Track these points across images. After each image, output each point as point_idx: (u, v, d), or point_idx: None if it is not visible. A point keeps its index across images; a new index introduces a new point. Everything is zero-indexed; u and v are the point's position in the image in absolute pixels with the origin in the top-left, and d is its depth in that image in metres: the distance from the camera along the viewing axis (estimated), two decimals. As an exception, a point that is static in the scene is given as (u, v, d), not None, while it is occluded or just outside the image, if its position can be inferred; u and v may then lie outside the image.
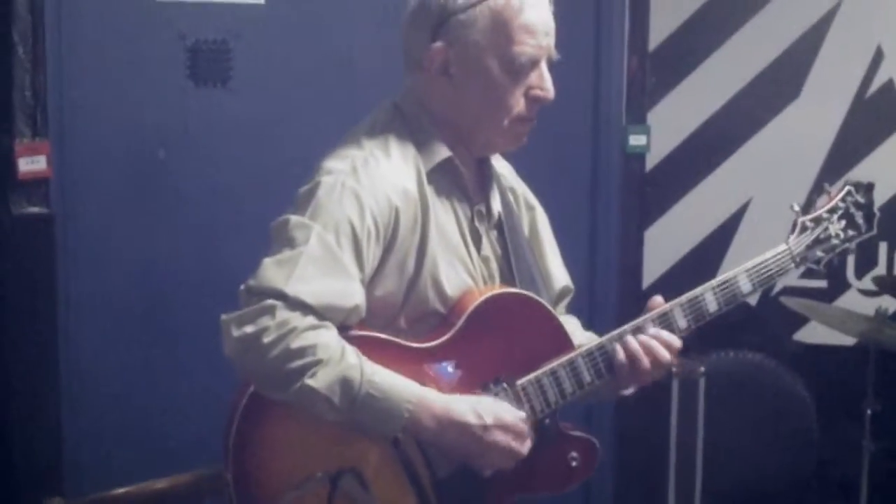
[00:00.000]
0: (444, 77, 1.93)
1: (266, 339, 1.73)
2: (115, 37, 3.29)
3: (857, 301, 3.67)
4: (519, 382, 1.92)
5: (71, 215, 3.26)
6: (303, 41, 3.43)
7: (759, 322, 3.67)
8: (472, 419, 1.83)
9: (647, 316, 1.98)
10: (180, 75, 3.36)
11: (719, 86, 3.72)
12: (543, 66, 1.94)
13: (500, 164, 2.13)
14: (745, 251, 2.08)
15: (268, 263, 1.79)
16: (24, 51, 3.13)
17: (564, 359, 1.95)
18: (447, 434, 1.82)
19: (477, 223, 2.00)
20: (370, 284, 1.86)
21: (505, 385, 1.92)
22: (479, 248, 2.00)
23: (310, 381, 1.73)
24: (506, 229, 2.03)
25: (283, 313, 1.73)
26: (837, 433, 3.54)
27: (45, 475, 3.18)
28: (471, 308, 1.91)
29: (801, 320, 3.69)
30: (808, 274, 2.18)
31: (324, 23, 3.45)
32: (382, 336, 1.87)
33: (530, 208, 2.17)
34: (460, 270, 1.95)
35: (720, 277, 2.01)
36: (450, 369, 1.90)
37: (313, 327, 1.75)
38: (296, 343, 1.73)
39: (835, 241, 2.08)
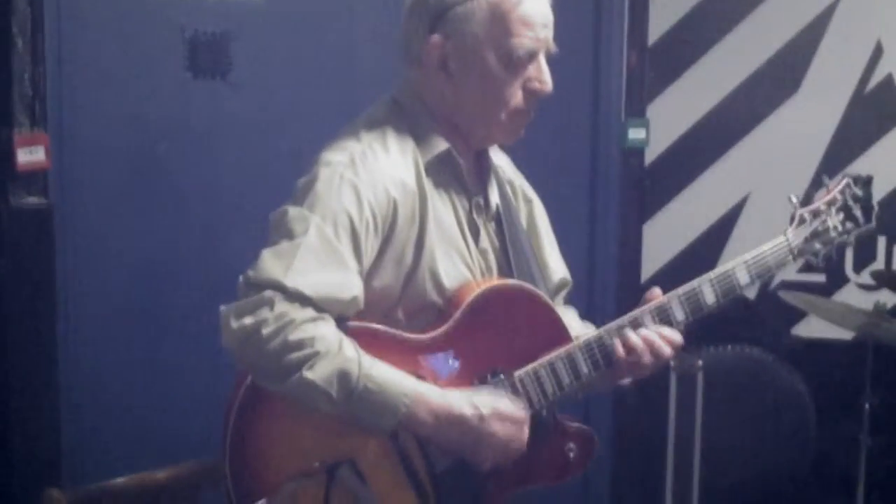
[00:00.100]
0: (442, 70, 1.93)
1: (264, 331, 1.73)
2: (114, 29, 3.28)
3: (855, 295, 3.67)
4: (516, 374, 1.92)
5: (69, 206, 3.25)
6: (303, 33, 3.42)
7: (757, 316, 3.67)
8: (468, 411, 1.83)
9: (645, 307, 1.98)
10: (179, 67, 3.34)
11: (719, 80, 3.72)
12: (541, 59, 1.94)
13: (498, 157, 2.13)
14: (743, 245, 2.07)
15: (266, 255, 1.78)
16: (23, 43, 3.13)
17: (562, 351, 1.95)
18: (444, 428, 1.82)
19: (475, 215, 2.00)
20: (368, 276, 1.85)
21: (502, 377, 1.92)
22: (477, 241, 2.00)
23: (307, 374, 1.73)
24: (504, 222, 2.03)
25: (281, 305, 1.73)
26: (835, 428, 3.54)
27: (44, 466, 3.18)
28: (468, 300, 1.91)
29: (799, 315, 3.69)
30: (806, 268, 2.18)
31: (324, 15, 3.45)
32: (380, 328, 1.87)
33: (528, 201, 2.17)
34: (458, 263, 1.95)
35: (718, 269, 2.01)
36: (447, 361, 1.90)
37: (312, 319, 1.75)
38: (294, 335, 1.73)
39: (833, 234, 2.08)
